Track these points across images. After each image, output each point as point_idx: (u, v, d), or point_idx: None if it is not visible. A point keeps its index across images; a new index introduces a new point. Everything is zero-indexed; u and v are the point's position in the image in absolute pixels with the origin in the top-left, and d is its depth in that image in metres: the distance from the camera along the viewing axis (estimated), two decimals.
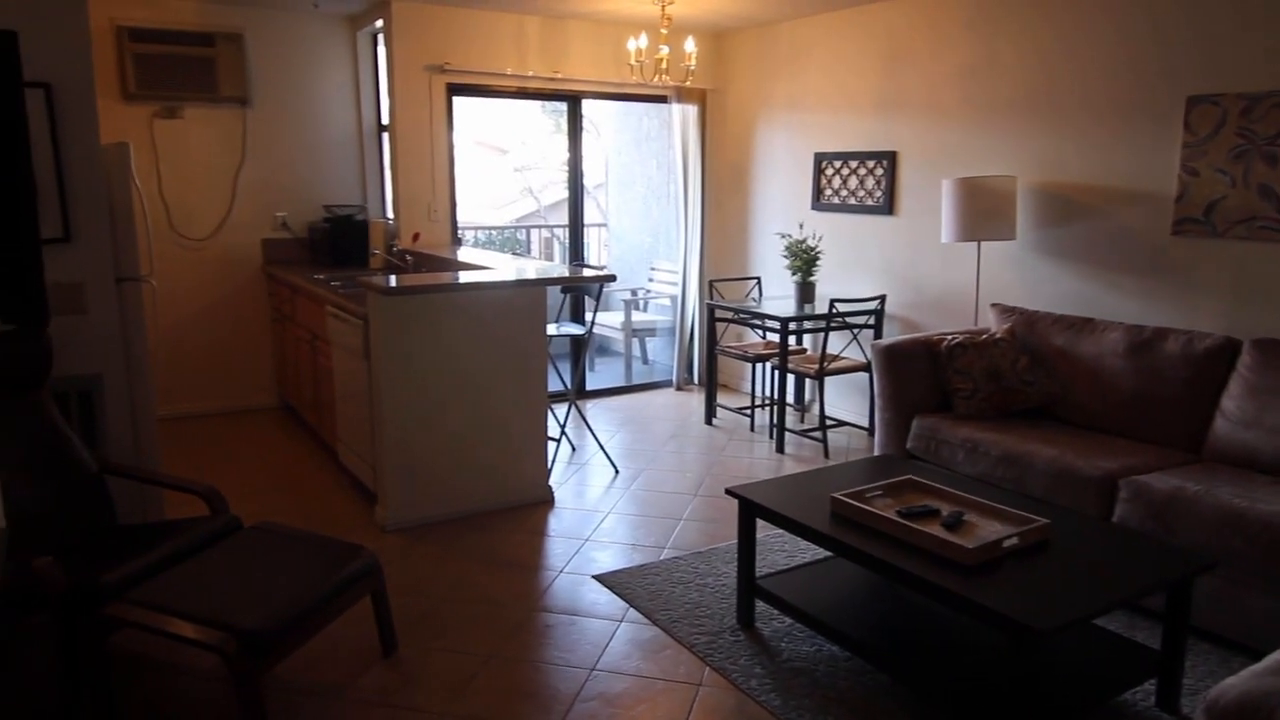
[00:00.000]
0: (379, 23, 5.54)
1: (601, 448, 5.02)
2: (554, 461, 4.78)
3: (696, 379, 6.66)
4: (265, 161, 5.74)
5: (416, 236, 5.56)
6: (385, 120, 5.87)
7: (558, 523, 4.09)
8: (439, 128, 5.62)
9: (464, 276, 4.10)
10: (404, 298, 3.81)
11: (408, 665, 2.89)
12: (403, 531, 3.93)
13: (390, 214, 5.92)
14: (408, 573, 3.52)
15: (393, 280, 3.87)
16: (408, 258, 5.45)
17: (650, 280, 7.67)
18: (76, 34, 3.10)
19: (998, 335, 4.17)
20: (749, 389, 6.19)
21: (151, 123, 5.39)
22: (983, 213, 4.37)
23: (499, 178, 12.14)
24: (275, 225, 5.85)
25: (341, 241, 5.68)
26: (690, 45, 4.96)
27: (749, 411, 5.70)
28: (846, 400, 5.62)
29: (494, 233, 9.96)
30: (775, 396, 5.31)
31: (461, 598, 3.35)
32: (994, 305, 4.47)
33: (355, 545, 2.87)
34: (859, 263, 5.50)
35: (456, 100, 5.70)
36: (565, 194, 6.66)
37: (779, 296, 5.82)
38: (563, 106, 6.30)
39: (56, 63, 3.03)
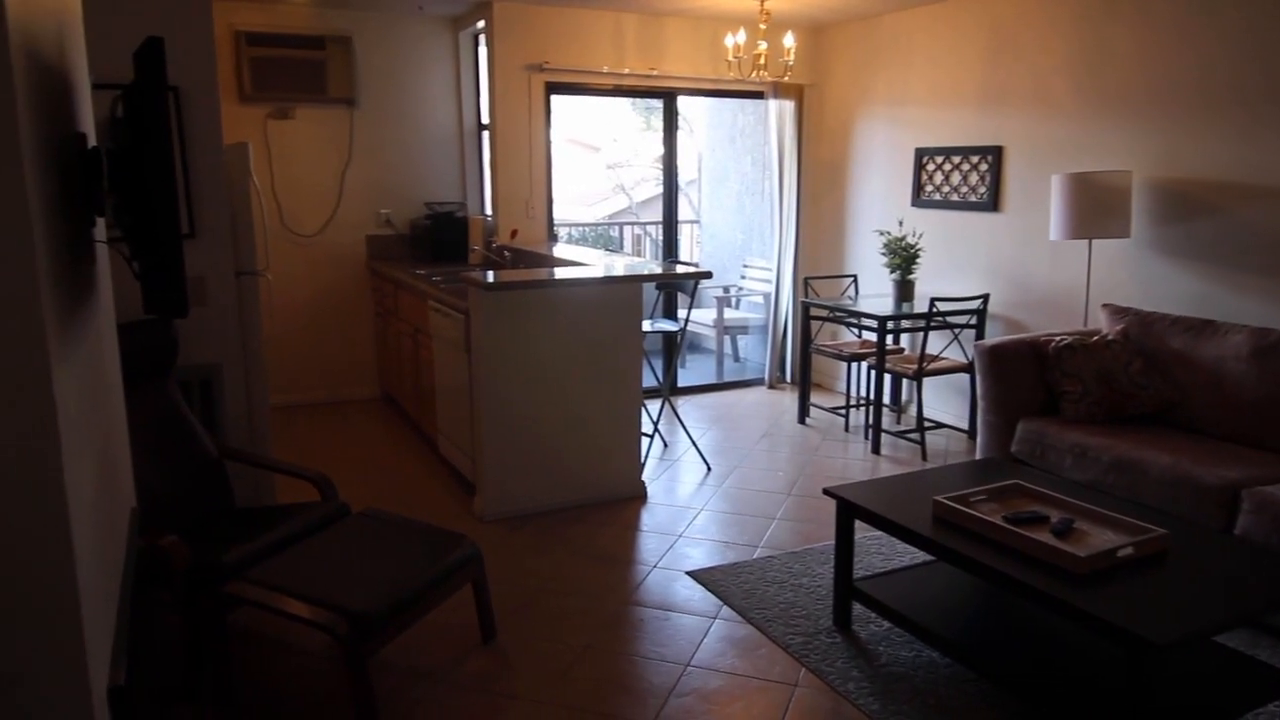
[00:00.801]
0: (480, 23, 5.66)
1: (694, 444, 5.02)
2: (647, 457, 4.80)
3: (789, 377, 6.60)
4: (370, 160, 5.93)
5: (514, 233, 5.66)
6: (485, 119, 5.99)
7: (650, 518, 4.11)
8: (537, 126, 5.70)
9: (561, 273, 4.15)
10: (504, 293, 3.88)
11: (506, 653, 2.95)
12: (500, 522, 4.01)
13: (489, 211, 6.04)
14: (505, 562, 3.59)
15: (491, 276, 3.95)
16: (506, 254, 5.55)
17: (743, 277, 7.63)
18: (203, 40, 3.27)
19: (1109, 337, 4.01)
20: (843, 388, 6.10)
21: (265, 123, 5.63)
22: (1095, 209, 4.21)
23: (591, 175, 12.25)
24: (379, 222, 6.03)
25: (442, 238, 5.82)
26: (789, 40, 4.91)
27: (843, 411, 5.62)
28: (945, 402, 5.48)
29: (587, 229, 10.06)
30: (871, 396, 5.22)
31: (557, 589, 3.40)
32: (1105, 306, 4.30)
33: (458, 534, 2.95)
34: (961, 261, 5.36)
35: (554, 98, 5.77)
36: (657, 191, 6.68)
37: (876, 295, 5.72)
38: (654, 103, 6.32)
39: (185, 67, 3.21)
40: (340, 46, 5.66)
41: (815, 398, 5.90)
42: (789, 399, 6.17)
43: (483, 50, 5.85)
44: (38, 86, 1.32)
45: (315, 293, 5.95)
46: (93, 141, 1.93)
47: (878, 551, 3.70)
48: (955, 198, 5.35)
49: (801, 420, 5.62)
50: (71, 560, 1.23)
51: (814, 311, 5.56)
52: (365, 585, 2.56)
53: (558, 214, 6.01)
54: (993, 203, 5.11)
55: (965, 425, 5.29)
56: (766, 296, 6.78)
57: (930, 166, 5.50)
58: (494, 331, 3.91)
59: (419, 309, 4.88)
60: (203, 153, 3.30)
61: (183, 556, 2.58)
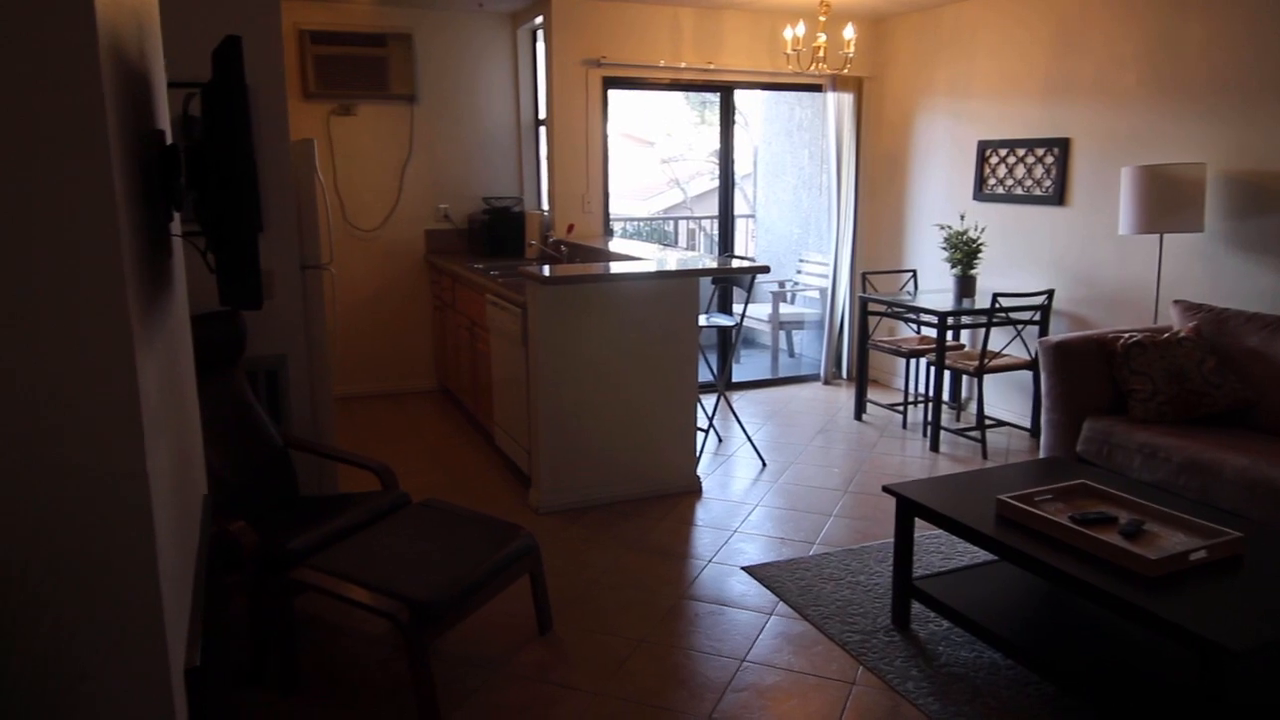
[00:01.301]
0: (539, 19, 5.69)
1: (749, 440, 5.00)
2: (701, 452, 4.80)
3: (845, 373, 6.53)
4: (430, 156, 6.01)
5: (571, 228, 5.69)
6: (542, 114, 6.02)
7: (705, 513, 4.10)
8: (594, 121, 5.72)
9: (619, 267, 4.16)
10: (562, 287, 3.90)
11: (562, 644, 2.97)
12: (555, 514, 4.04)
13: (546, 206, 6.08)
14: (560, 555, 3.62)
15: (547, 270, 3.97)
16: (562, 248, 5.58)
17: (799, 272, 7.57)
18: (272, 39, 3.34)
19: (1181, 334, 3.89)
20: (901, 385, 6.02)
21: (328, 120, 5.73)
22: (1166, 203, 4.08)
23: (645, 169, 12.26)
24: (438, 217, 6.11)
25: (499, 232, 5.88)
26: (849, 32, 4.85)
27: (901, 408, 5.55)
28: (1006, 399, 5.38)
29: (641, 224, 10.06)
30: (930, 393, 5.14)
31: (612, 582, 3.41)
32: (1176, 302, 4.17)
33: (516, 525, 2.98)
34: (1024, 255, 5.25)
35: (611, 93, 5.78)
36: (711, 185, 6.66)
37: (936, 290, 5.62)
38: (709, 97, 6.29)
39: (253, 65, 3.27)
40: (401, 43, 5.74)
41: (872, 394, 5.83)
42: (845, 395, 6.11)
43: (540, 45, 5.89)
44: (122, 85, 1.36)
45: (375, 286, 6.05)
46: (169, 139, 1.99)
47: (936, 550, 3.65)
48: (1019, 191, 5.23)
49: (858, 417, 5.56)
50: (153, 545, 1.27)
51: (872, 307, 5.49)
52: (427, 574, 2.60)
53: (613, 209, 6.03)
54: (1058, 196, 4.99)
55: (1027, 423, 5.18)
56: (823, 291, 6.72)
57: (993, 159, 5.39)
58: (551, 325, 3.93)
59: (476, 303, 4.94)
60: (270, 149, 3.38)
61: (251, 542, 2.65)
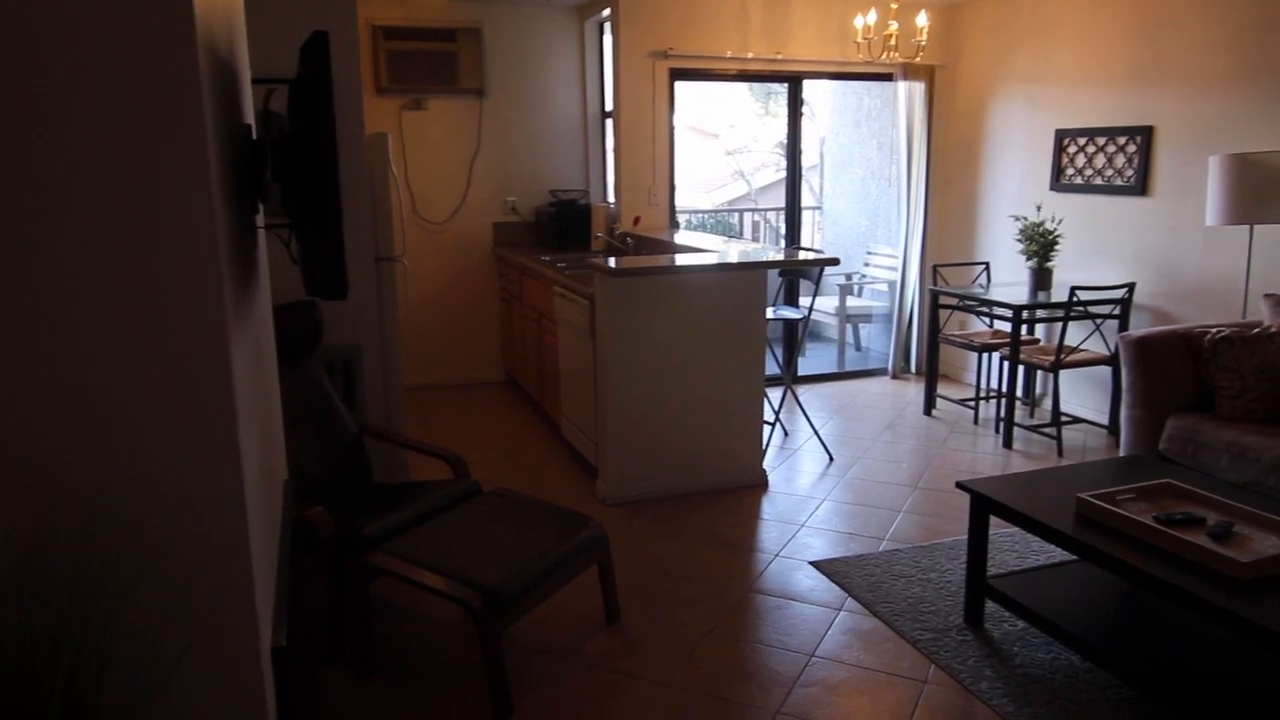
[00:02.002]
0: (606, 11, 5.70)
1: (816, 433, 4.95)
2: (768, 445, 4.76)
3: (914, 368, 6.42)
4: (498, 149, 6.06)
5: (637, 220, 5.69)
6: (609, 107, 6.04)
7: (771, 507, 4.08)
8: (660, 113, 5.71)
9: (685, 259, 4.15)
10: (630, 279, 3.91)
11: (630, 634, 2.99)
12: (621, 505, 4.05)
13: (612, 198, 6.09)
14: (626, 546, 3.63)
15: (612, 262, 3.98)
16: (628, 240, 5.59)
17: (866, 264, 7.46)
18: (348, 34, 3.41)
19: (1272, 329, 3.73)
20: (971, 380, 5.90)
21: (399, 114, 5.83)
22: (1259, 193, 3.91)
23: (709, 161, 12.20)
24: (505, 209, 6.17)
25: (565, 225, 5.91)
26: (922, 19, 4.75)
27: (972, 403, 5.43)
28: (1082, 395, 5.23)
29: (705, 216, 10.02)
30: (1003, 389, 5.03)
31: (679, 573, 3.41)
32: (1268, 296, 4.00)
33: (585, 515, 3.00)
34: (1104, 247, 5.09)
35: (677, 85, 5.77)
36: (775, 177, 6.60)
37: (1010, 283, 5.49)
38: (774, 88, 6.23)
39: (333, 61, 3.35)
40: (470, 38, 5.80)
41: (942, 389, 5.72)
42: (913, 390, 6.01)
43: (607, 38, 5.90)
44: (215, 81, 1.40)
45: (444, 279, 6.14)
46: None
47: (1010, 549, 3.57)
48: (1099, 181, 5.08)
49: (927, 412, 5.47)
50: (246, 527, 1.31)
51: (943, 300, 5.38)
52: (498, 562, 2.64)
53: (677, 201, 6.01)
54: (1140, 186, 4.82)
55: (1105, 420, 5.03)
56: (891, 284, 6.61)
57: (1071, 148, 5.23)
58: (618, 317, 3.94)
59: (544, 294, 4.98)
60: (346, 143, 3.44)
61: (329, 527, 2.72)
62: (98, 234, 1.19)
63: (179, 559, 1.28)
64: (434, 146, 5.95)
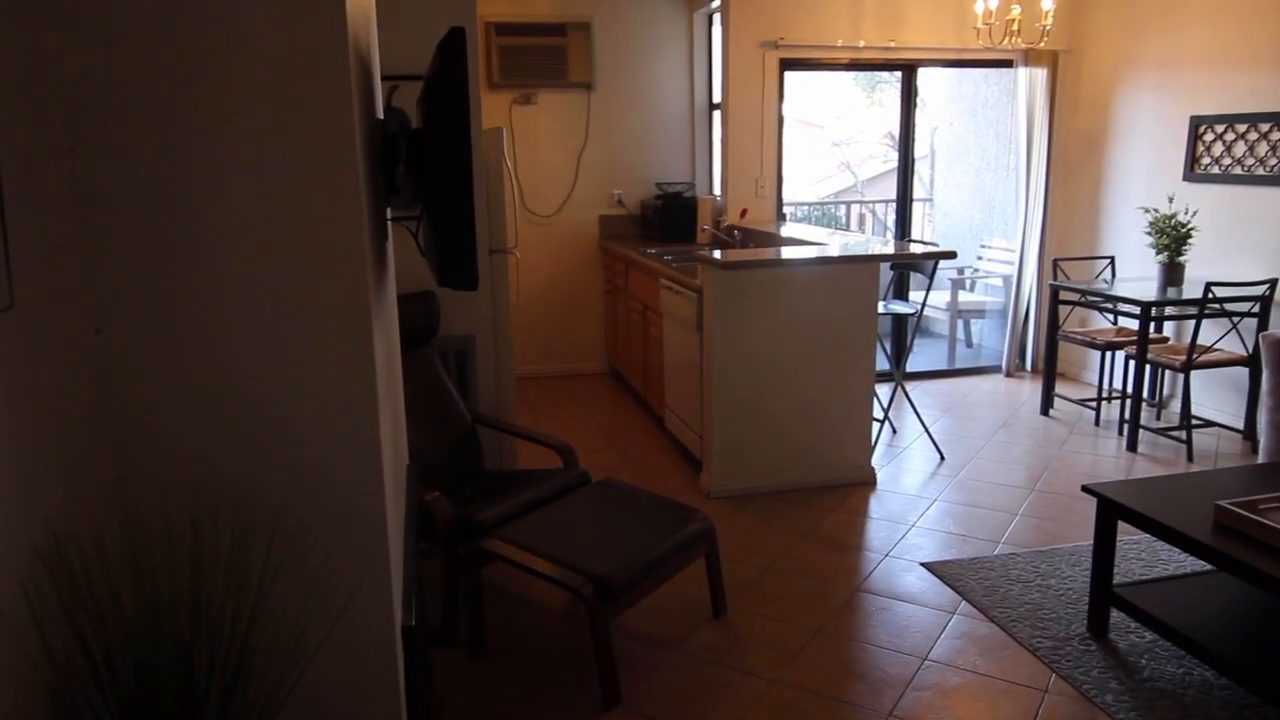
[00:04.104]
0: (715, 2, 5.67)
1: (927, 431, 4.82)
2: (876, 443, 4.67)
3: (1029, 366, 6.19)
4: (605, 142, 6.11)
5: (744, 212, 5.65)
6: (716, 99, 6.01)
7: (879, 505, 4.00)
8: (769, 104, 5.65)
9: (798, 251, 4.11)
10: (738, 272, 3.89)
11: (737, 628, 2.98)
12: (726, 499, 4.04)
13: (718, 190, 6.07)
14: (732, 540, 3.62)
15: (719, 254, 3.96)
16: (735, 233, 5.56)
17: (979, 258, 7.22)
18: (469, 32, 3.49)
19: None
20: (1091, 379, 5.65)
21: (510, 109, 5.93)
22: None
23: (815, 152, 12.01)
24: (611, 202, 6.22)
25: (671, 217, 5.91)
26: (1048, 3, 4.56)
27: (1093, 404, 5.20)
28: (1215, 398, 4.94)
29: (811, 208, 9.89)
30: (1127, 389, 4.80)
31: (785, 569, 3.39)
32: None
33: (693, 508, 3.00)
34: (1243, 241, 4.79)
35: (787, 75, 5.70)
36: (883, 168, 6.45)
37: (1136, 278, 5.23)
38: (881, 77, 6.08)
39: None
40: (580, 32, 5.86)
41: (1060, 388, 5.50)
42: (1029, 389, 5.79)
43: (716, 29, 5.87)
44: (360, 80, 1.45)
45: (551, 271, 6.23)
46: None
47: (1136, 557, 3.41)
48: (1239, 171, 4.78)
49: (1044, 412, 5.26)
50: (384, 509, 1.36)
51: (1064, 295, 5.16)
52: (608, 551, 2.67)
53: (784, 194, 5.94)
54: None
55: (1240, 425, 4.75)
56: (1006, 279, 6.38)
57: (1208, 136, 4.94)
58: (726, 310, 3.93)
59: (649, 287, 4.99)
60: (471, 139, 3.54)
61: (446, 512, 2.80)
62: (258, 225, 1.25)
63: (323, 540, 1.34)
64: (542, 140, 6.03)
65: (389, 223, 2.24)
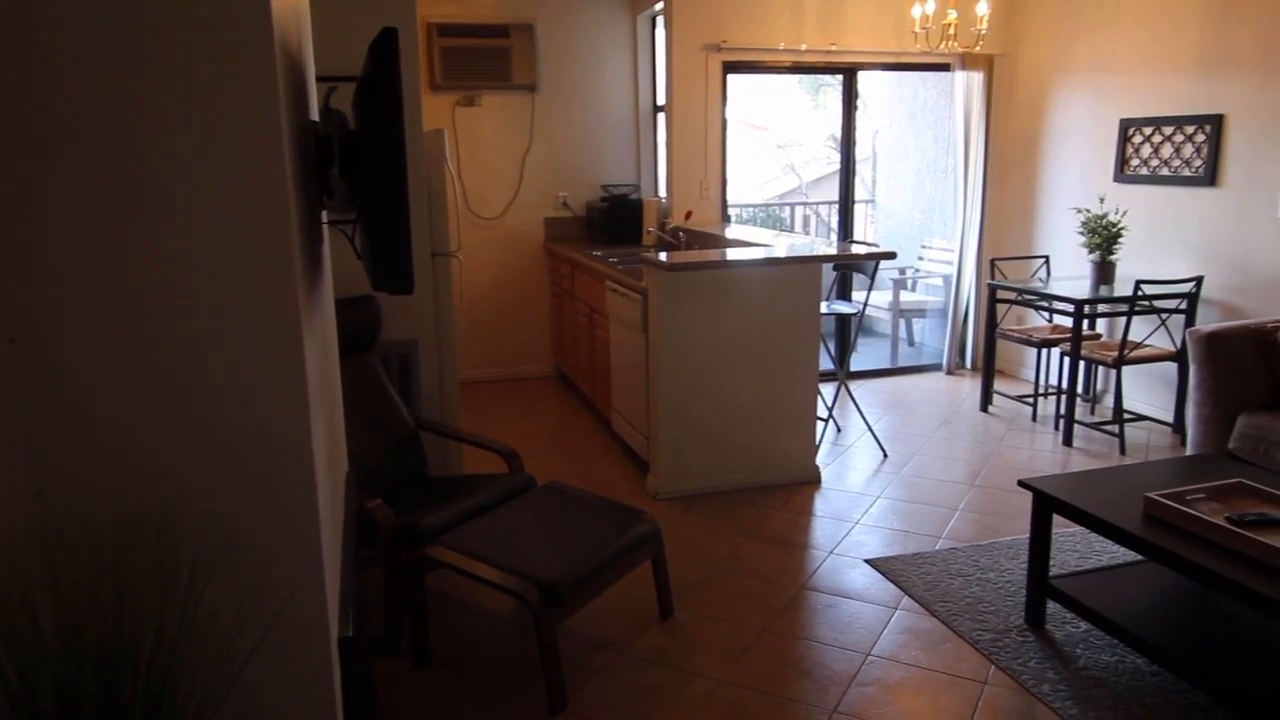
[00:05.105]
0: (659, 4, 5.68)
1: (870, 430, 4.89)
2: (821, 441, 4.72)
3: (969, 364, 6.32)
4: (550, 144, 6.09)
5: (689, 214, 5.68)
6: (661, 101, 6.02)
7: (824, 504, 4.04)
8: (713, 106, 5.68)
9: (742, 253, 4.13)
10: (684, 273, 3.90)
11: (683, 630, 2.98)
12: (673, 500, 4.05)
13: (663, 192, 6.08)
14: (679, 541, 3.63)
15: (664, 256, 3.98)
16: (680, 235, 5.58)
17: (920, 259, 7.35)
18: (408, 32, 3.44)
19: None
20: (1029, 376, 5.78)
21: (453, 111, 5.88)
22: None
23: (760, 155, 12.12)
24: (557, 204, 6.20)
25: (617, 219, 5.91)
26: (983, 8, 4.66)
27: (1030, 400, 5.33)
28: (1146, 392, 5.09)
29: (756, 210, 9.97)
30: (1063, 385, 4.92)
31: (731, 569, 3.40)
32: None
33: (639, 510, 3.00)
34: (1170, 240, 4.94)
35: (730, 78, 5.73)
36: (826, 170, 6.53)
37: (1070, 277, 5.37)
38: (823, 80, 6.16)
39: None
40: (524, 33, 5.83)
41: (998, 385, 5.62)
42: (969, 386, 5.91)
43: (660, 32, 5.89)
44: (288, 77, 1.42)
45: (496, 274, 6.19)
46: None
47: (1071, 549, 3.49)
48: (1165, 172, 4.93)
49: (984, 408, 5.37)
50: (317, 517, 1.34)
51: (1001, 294, 5.28)
52: (553, 555, 2.65)
53: (729, 195, 5.98)
54: (1209, 177, 4.68)
55: (1169, 418, 4.90)
56: (946, 279, 6.51)
57: (1137, 138, 5.09)
58: (672, 312, 3.94)
59: (595, 289, 4.99)
60: (406, 140, 3.49)
61: (388, 519, 2.76)
62: (180, 228, 1.22)
63: (253, 551, 1.31)
64: (486, 142, 5.99)
65: (325, 226, 2.20)
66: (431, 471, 3.56)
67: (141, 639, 1.15)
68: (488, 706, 2.59)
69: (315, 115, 2.10)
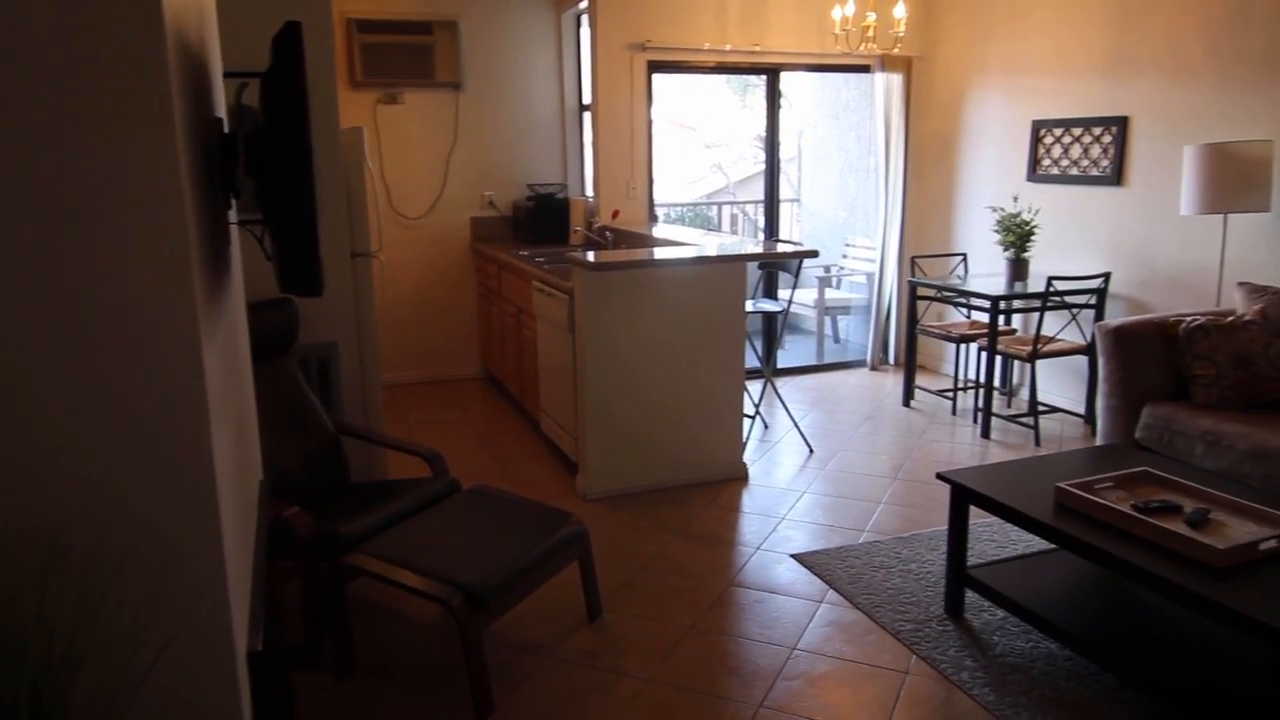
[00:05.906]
0: (583, 4, 5.66)
1: (796, 426, 4.95)
2: (748, 439, 4.77)
3: (892, 359, 6.45)
4: (475, 143, 6.02)
5: (616, 213, 5.67)
6: (587, 100, 6.00)
7: (752, 500, 4.08)
8: (639, 106, 5.69)
9: (668, 252, 4.14)
10: (609, 273, 3.89)
11: (611, 630, 2.98)
12: (602, 500, 4.04)
13: (590, 192, 6.07)
14: (607, 541, 3.62)
15: (591, 256, 3.96)
16: (607, 234, 5.57)
17: (844, 256, 7.47)
18: (322, 27, 3.36)
19: (1246, 317, 3.77)
20: (949, 371, 5.93)
21: (375, 108, 5.77)
22: (1232, 182, 3.95)
23: (688, 155, 12.18)
24: (483, 204, 6.13)
25: (543, 219, 5.87)
26: (900, 11, 4.75)
27: (950, 394, 5.46)
28: (1059, 385, 5.27)
29: (684, 209, 10.02)
30: (980, 379, 5.06)
31: (660, 568, 3.41)
32: (1241, 284, 4.04)
33: (565, 511, 2.98)
34: (1080, 238, 5.12)
35: (655, 78, 5.74)
36: (753, 170, 6.59)
37: (987, 274, 5.52)
38: (751, 80, 6.22)
39: (306, 55, 3.31)
40: (447, 30, 5.75)
41: (920, 380, 5.75)
42: (892, 381, 6.03)
43: (585, 31, 5.86)
44: (185, 71, 1.37)
45: (421, 274, 6.09)
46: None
47: (989, 539, 3.59)
48: (1075, 171, 5.11)
49: (906, 403, 5.49)
50: (219, 529, 1.29)
51: (921, 291, 5.40)
52: (478, 560, 2.62)
53: (656, 194, 5.99)
54: (1116, 176, 4.86)
55: (1081, 410, 5.08)
56: (869, 276, 6.63)
57: (1048, 139, 5.26)
58: (598, 311, 3.93)
59: (522, 289, 4.95)
60: (321, 137, 3.40)
61: (306, 528, 2.69)
62: (64, 229, 1.16)
63: (151, 561, 1.25)
64: (410, 141, 5.89)
65: (233, 226, 2.13)
66: (354, 477, 3.48)
67: (27, 670, 1.09)
68: (412, 716, 2.54)
69: (221, 112, 2.03)
